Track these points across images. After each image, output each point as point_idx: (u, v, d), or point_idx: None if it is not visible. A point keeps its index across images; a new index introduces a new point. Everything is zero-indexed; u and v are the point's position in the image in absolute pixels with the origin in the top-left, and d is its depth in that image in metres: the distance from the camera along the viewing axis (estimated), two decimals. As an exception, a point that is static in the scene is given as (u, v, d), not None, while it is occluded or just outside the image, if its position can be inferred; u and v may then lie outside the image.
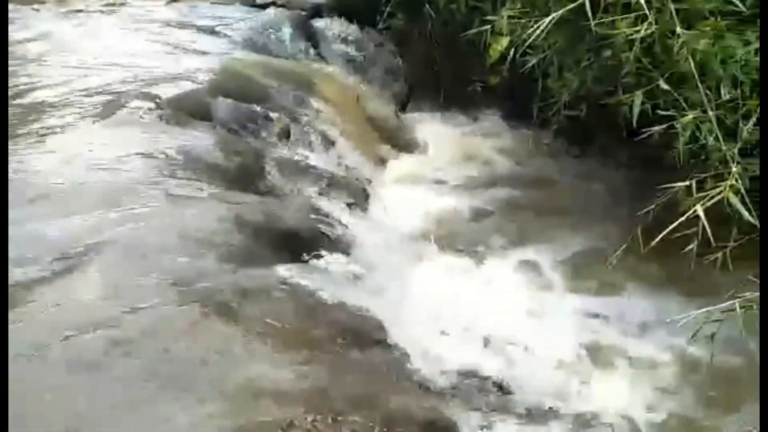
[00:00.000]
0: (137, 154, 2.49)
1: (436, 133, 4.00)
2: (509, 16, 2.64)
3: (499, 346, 2.56)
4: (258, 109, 3.29)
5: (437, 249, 3.16)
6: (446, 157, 3.85)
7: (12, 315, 1.65)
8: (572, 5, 1.92)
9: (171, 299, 1.76)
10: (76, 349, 1.60)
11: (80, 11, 4.42)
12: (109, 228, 2.01)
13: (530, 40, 2.10)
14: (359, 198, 3.01)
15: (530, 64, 2.61)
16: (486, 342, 2.58)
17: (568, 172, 3.44)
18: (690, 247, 1.81)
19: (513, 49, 2.74)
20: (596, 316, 2.68)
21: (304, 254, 2.21)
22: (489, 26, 2.72)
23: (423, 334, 2.31)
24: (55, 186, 2.24)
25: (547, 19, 1.96)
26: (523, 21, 2.47)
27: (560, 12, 1.94)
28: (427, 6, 3.70)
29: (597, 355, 2.49)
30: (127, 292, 1.78)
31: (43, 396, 1.48)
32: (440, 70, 3.95)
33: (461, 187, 3.68)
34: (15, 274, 1.75)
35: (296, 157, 3.15)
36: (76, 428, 1.40)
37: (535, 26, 2.02)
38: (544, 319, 2.68)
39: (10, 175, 2.27)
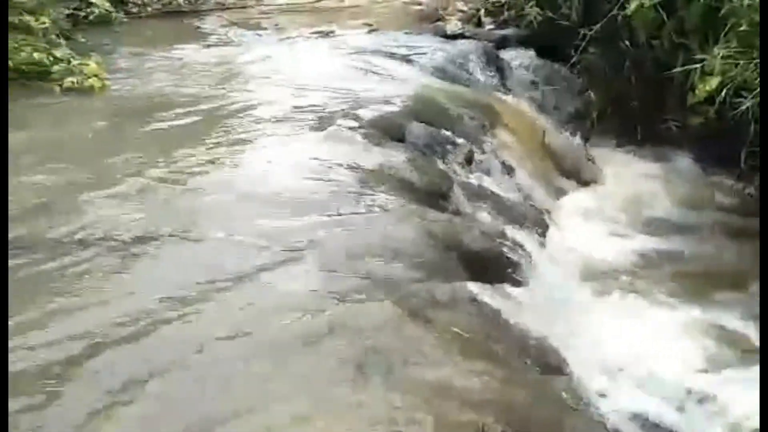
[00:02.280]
0: (342, 166, 2.79)
1: (621, 169, 3.90)
2: (723, 56, 2.52)
3: (674, 395, 2.46)
4: (446, 133, 3.48)
5: (612, 287, 3.09)
6: (630, 195, 3.73)
7: (241, 295, 1.95)
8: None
9: (370, 298, 1.96)
10: (288, 330, 1.83)
11: (295, 38, 5.01)
12: (320, 229, 2.29)
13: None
14: (538, 227, 3.04)
15: (743, 108, 2.46)
16: (662, 390, 2.49)
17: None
18: None
19: (723, 90, 2.61)
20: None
21: (488, 275, 2.31)
22: (698, 65, 2.62)
23: (599, 370, 2.29)
24: (276, 189, 2.59)
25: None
26: (740, 62, 2.35)
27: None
28: (625, 41, 3.64)
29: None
30: (332, 286, 2.01)
31: (263, 365, 1.72)
32: (632, 105, 3.84)
33: (643, 228, 3.54)
34: (250, 260, 2.07)
35: (478, 182, 3.28)
36: (273, 401, 1.56)
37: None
38: (722, 376, 2.52)
39: (241, 179, 2.68)
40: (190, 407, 1.55)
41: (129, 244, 2.17)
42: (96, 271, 2.05)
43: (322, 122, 3.27)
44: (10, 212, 2.33)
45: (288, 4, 6.06)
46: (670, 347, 2.70)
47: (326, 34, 5.07)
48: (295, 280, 2.02)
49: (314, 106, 3.52)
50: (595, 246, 3.23)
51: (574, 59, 3.94)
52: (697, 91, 2.69)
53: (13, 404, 1.53)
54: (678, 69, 2.87)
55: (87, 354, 1.70)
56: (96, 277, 2.03)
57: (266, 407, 1.56)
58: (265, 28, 5.33)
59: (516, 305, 2.23)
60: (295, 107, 3.51)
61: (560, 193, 3.67)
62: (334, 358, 1.71)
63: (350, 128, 3.22)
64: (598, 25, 3.56)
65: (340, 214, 2.37)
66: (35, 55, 3.65)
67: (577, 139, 4.06)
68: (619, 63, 3.81)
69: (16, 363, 1.65)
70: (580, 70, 4.21)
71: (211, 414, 1.53)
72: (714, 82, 2.55)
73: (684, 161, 3.85)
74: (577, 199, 3.68)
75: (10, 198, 2.42)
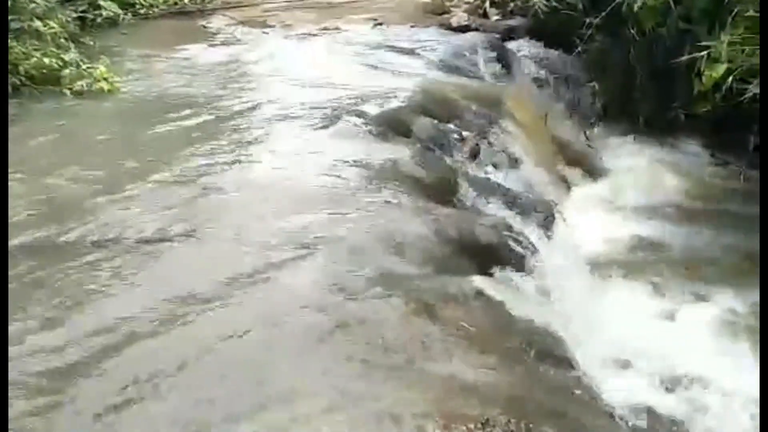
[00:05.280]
0: (351, 163, 2.82)
1: (627, 158, 3.89)
2: (729, 43, 2.51)
3: (682, 385, 2.49)
4: (452, 127, 3.49)
5: (619, 277, 3.12)
6: (635, 184, 3.73)
7: (253, 293, 1.99)
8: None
9: (380, 293, 1.99)
10: (305, 325, 1.85)
11: (300, 35, 5.02)
12: (329, 226, 2.32)
13: None
14: (545, 219, 3.05)
15: (749, 94, 2.45)
16: (669, 379, 2.52)
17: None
18: None
19: (729, 77, 2.60)
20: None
21: (495, 268, 2.33)
22: (705, 52, 2.60)
23: (605, 361, 2.32)
24: (284, 187, 2.62)
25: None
26: (747, 48, 2.34)
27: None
28: (631, 29, 3.62)
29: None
30: (344, 282, 2.04)
31: (277, 362, 1.75)
32: (637, 94, 3.83)
33: (648, 217, 3.56)
34: (262, 258, 2.11)
35: (485, 175, 3.29)
36: (284, 397, 1.60)
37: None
38: (730, 365, 2.54)
39: (250, 177, 2.71)
40: (208, 402, 1.60)
41: (142, 244, 2.22)
42: (110, 272, 2.10)
43: (329, 119, 3.30)
44: (24, 216, 2.39)
45: (293, 0, 6.07)
46: (678, 337, 2.73)
47: (332, 30, 5.08)
48: (305, 277, 2.05)
49: (321, 102, 3.54)
50: (601, 236, 3.25)
51: (579, 49, 3.93)
52: (704, 79, 2.68)
53: (27, 404, 1.58)
54: (685, 57, 2.85)
55: (103, 353, 1.76)
56: (110, 277, 2.08)
57: (275, 403, 1.59)
58: (272, 26, 5.34)
59: (523, 298, 2.25)
60: (302, 104, 3.53)
61: (566, 183, 3.68)
62: (344, 354, 1.75)
63: (357, 125, 3.24)
64: (603, 14, 3.54)
65: (348, 211, 2.40)
66: (45, 60, 3.71)
67: (583, 129, 4.05)
68: (625, 51, 3.80)
69: (30, 364, 1.71)
70: (586, 59, 4.20)
71: (224, 407, 1.57)
72: (721, 69, 2.54)
73: (692, 148, 3.84)
74: (583, 188, 3.69)
75: (23, 202, 2.49)
